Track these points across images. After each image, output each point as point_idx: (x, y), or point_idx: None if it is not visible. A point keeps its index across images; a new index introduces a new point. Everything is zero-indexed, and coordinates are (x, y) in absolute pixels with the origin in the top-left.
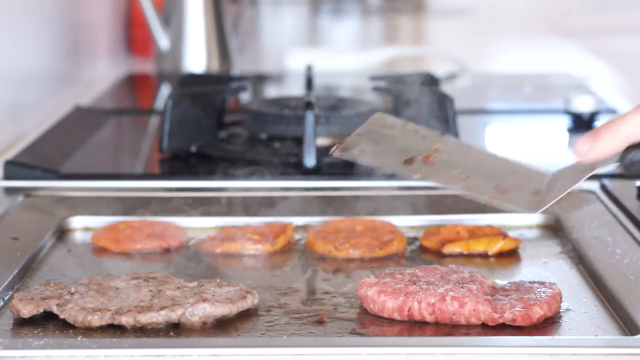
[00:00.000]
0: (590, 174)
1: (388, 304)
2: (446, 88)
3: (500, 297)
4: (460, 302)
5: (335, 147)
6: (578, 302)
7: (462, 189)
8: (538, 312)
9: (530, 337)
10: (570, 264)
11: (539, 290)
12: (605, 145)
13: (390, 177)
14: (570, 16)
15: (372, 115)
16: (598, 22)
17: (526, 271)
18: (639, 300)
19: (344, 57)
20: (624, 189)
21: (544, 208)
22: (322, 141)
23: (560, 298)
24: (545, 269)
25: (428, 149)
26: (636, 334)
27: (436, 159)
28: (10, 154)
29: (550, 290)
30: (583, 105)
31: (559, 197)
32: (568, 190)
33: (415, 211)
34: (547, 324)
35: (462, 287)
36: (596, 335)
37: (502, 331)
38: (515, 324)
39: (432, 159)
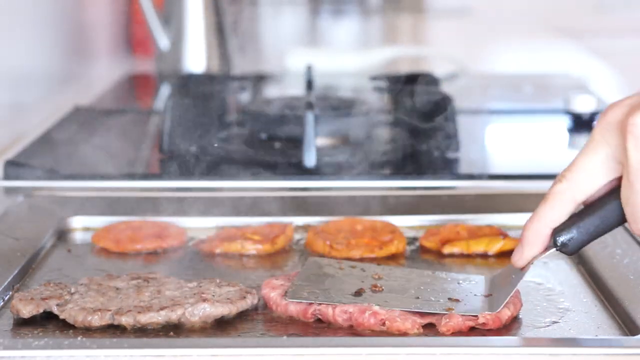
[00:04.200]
0: (531, 267)
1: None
2: (446, 88)
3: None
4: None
5: (285, 293)
6: (578, 302)
7: (416, 308)
8: (506, 314)
9: (530, 337)
10: (570, 264)
11: None
12: (533, 246)
13: (390, 177)
14: (570, 16)
15: (306, 261)
16: (598, 22)
17: None
18: (639, 300)
19: (344, 57)
20: None
21: (500, 308)
22: (322, 141)
23: (519, 296)
24: (545, 269)
25: (372, 279)
26: (636, 334)
27: (383, 286)
28: (10, 154)
29: None
30: (583, 105)
31: (510, 295)
32: (516, 287)
33: (415, 211)
34: (547, 324)
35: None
36: (596, 335)
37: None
38: (486, 328)
39: (379, 288)
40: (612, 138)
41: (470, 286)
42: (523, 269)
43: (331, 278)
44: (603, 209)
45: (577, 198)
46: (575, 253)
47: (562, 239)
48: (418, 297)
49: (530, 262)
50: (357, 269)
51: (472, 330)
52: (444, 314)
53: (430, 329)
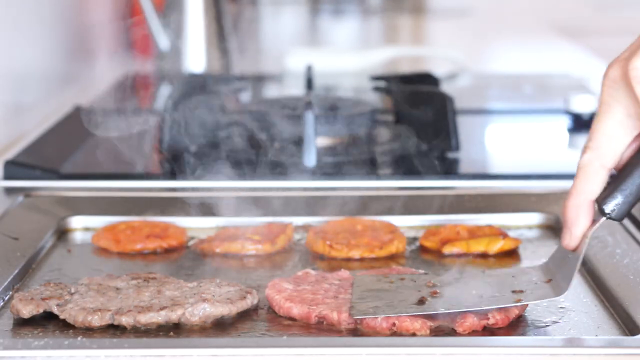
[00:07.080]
0: (587, 244)
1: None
2: (446, 88)
3: None
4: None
5: (350, 313)
6: (578, 302)
7: (487, 305)
8: (514, 312)
9: (530, 337)
10: None
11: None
12: (578, 223)
13: (390, 177)
14: (570, 16)
15: (353, 281)
16: (598, 22)
17: None
18: (639, 300)
19: (344, 57)
20: None
21: (568, 289)
22: (322, 141)
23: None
24: None
25: (427, 287)
26: (636, 334)
27: (439, 292)
28: (10, 154)
29: None
30: (583, 105)
31: (574, 276)
32: (577, 267)
33: (415, 211)
34: (547, 324)
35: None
36: (596, 335)
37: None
38: (496, 326)
39: (437, 293)
40: (620, 95)
41: (527, 276)
42: (577, 249)
43: (386, 292)
44: (638, 167)
45: (606, 164)
46: (624, 218)
47: (608, 206)
48: (482, 296)
49: (583, 239)
50: (407, 280)
51: (473, 330)
52: (461, 314)
53: (438, 331)
